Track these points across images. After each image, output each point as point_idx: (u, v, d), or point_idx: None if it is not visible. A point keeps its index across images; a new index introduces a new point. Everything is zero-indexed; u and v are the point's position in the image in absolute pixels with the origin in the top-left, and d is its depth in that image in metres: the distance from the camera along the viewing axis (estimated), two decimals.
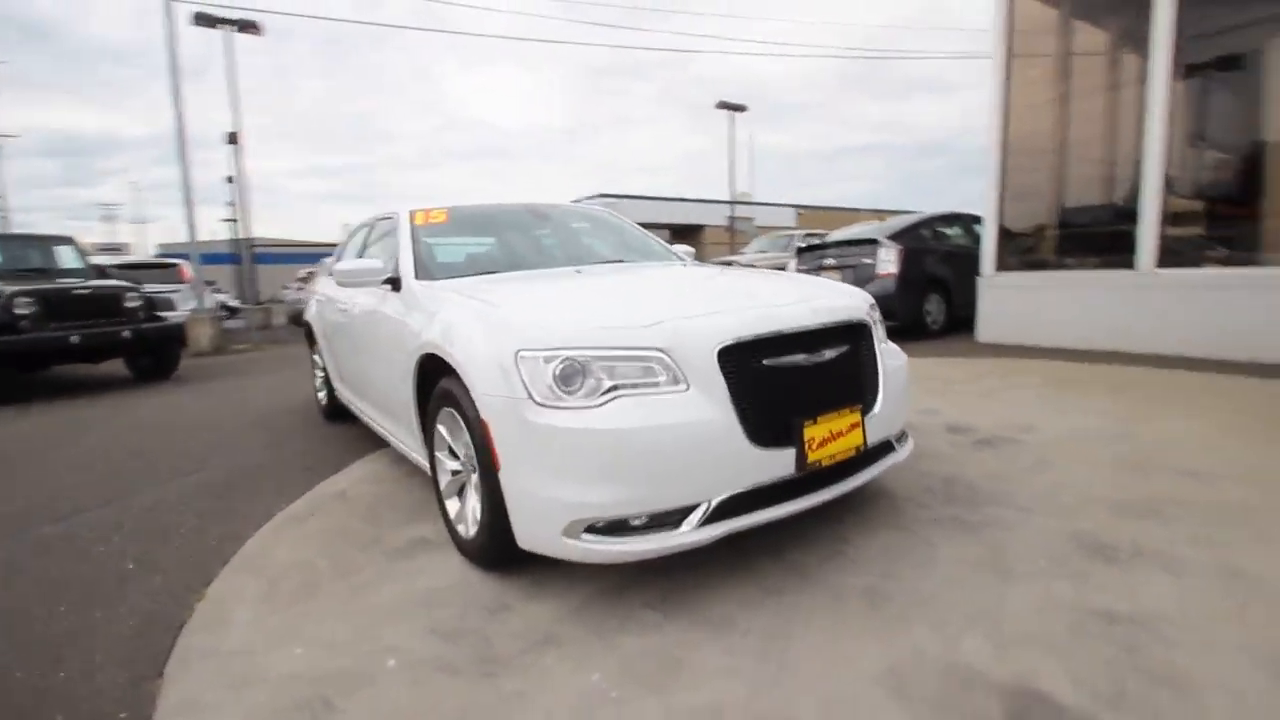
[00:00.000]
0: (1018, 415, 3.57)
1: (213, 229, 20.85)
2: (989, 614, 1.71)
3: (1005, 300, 6.01)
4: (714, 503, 1.75)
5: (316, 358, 4.62)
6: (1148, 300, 5.04)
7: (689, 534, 1.74)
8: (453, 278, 2.70)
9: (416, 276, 2.71)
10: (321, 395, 4.62)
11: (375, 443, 3.75)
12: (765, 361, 1.86)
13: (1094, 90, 5.87)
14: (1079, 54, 6.07)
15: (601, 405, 1.72)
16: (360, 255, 3.70)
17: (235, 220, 19.08)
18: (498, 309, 2.09)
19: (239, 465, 3.54)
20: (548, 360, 1.76)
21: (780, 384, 1.87)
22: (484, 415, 1.85)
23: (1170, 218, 5.06)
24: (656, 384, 1.76)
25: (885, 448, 2.21)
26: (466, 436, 2.09)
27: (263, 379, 6.92)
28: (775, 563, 2.03)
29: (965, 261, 6.75)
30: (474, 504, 2.17)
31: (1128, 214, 5.17)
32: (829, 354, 2.00)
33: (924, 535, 2.18)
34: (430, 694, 1.54)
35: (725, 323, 1.87)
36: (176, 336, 7.01)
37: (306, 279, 15.19)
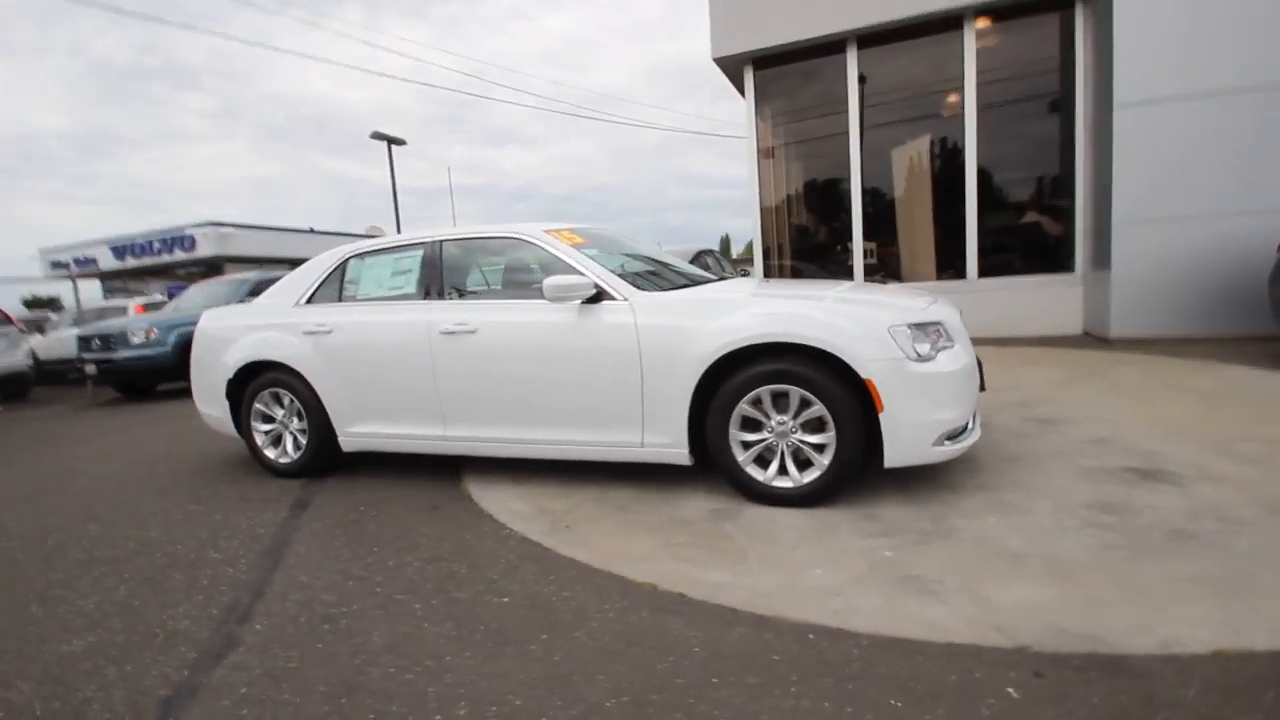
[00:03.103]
0: None
1: None
2: (1074, 451, 3.24)
3: None
4: (974, 417, 2.87)
5: (263, 407, 3.79)
6: None
7: (971, 436, 2.80)
8: (659, 290, 3.10)
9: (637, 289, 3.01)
10: (273, 452, 3.82)
11: (429, 472, 3.54)
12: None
13: (809, 169, 8.63)
14: (793, 144, 8.79)
15: (937, 357, 2.67)
16: (419, 279, 3.45)
17: None
18: (829, 301, 2.79)
19: (326, 525, 2.94)
20: (907, 329, 2.63)
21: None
22: (866, 375, 2.57)
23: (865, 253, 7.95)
24: (939, 343, 2.78)
25: None
26: (795, 406, 2.71)
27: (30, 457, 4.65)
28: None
29: None
30: (789, 464, 2.78)
31: (846, 250, 7.91)
32: None
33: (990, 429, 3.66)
34: (936, 551, 2.27)
35: (947, 306, 3.00)
36: None
37: None
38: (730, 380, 2.79)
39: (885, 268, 8.13)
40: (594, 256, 3.22)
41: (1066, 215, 6.97)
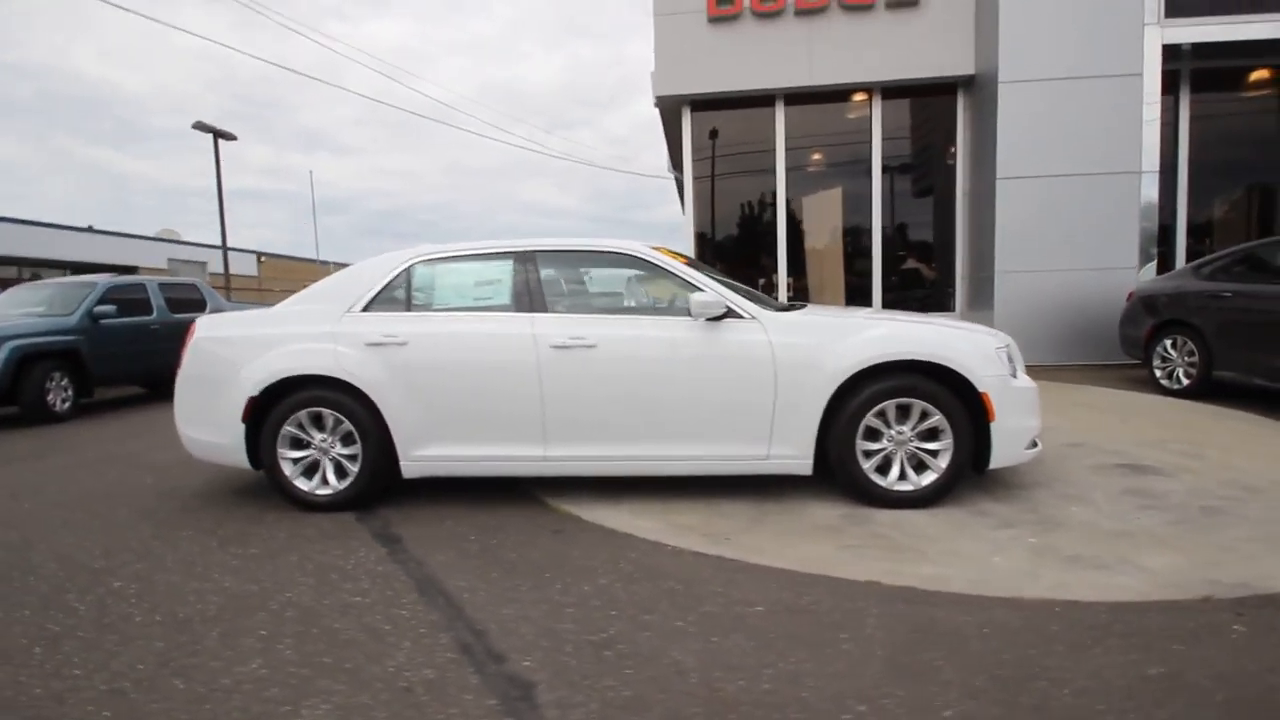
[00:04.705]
0: None
1: None
2: (1069, 454, 3.97)
3: None
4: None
5: (295, 430, 3.27)
6: None
7: (1040, 448, 3.34)
8: (774, 310, 3.28)
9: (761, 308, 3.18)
10: (307, 483, 3.32)
11: (491, 496, 3.39)
12: None
13: (736, 207, 9.30)
14: (722, 183, 9.43)
15: (1019, 374, 3.18)
16: (513, 289, 3.28)
17: None
18: (936, 324, 3.17)
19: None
20: (1005, 350, 3.11)
21: None
22: (981, 388, 2.98)
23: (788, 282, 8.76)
24: (1015, 363, 3.29)
25: None
26: (916, 417, 3.05)
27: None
28: None
29: None
30: (908, 469, 3.10)
31: (771, 284, 8.65)
32: None
33: None
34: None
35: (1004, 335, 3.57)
36: None
37: None
38: (858, 395, 3.06)
39: (801, 294, 9.02)
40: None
41: (948, 265, 8.36)
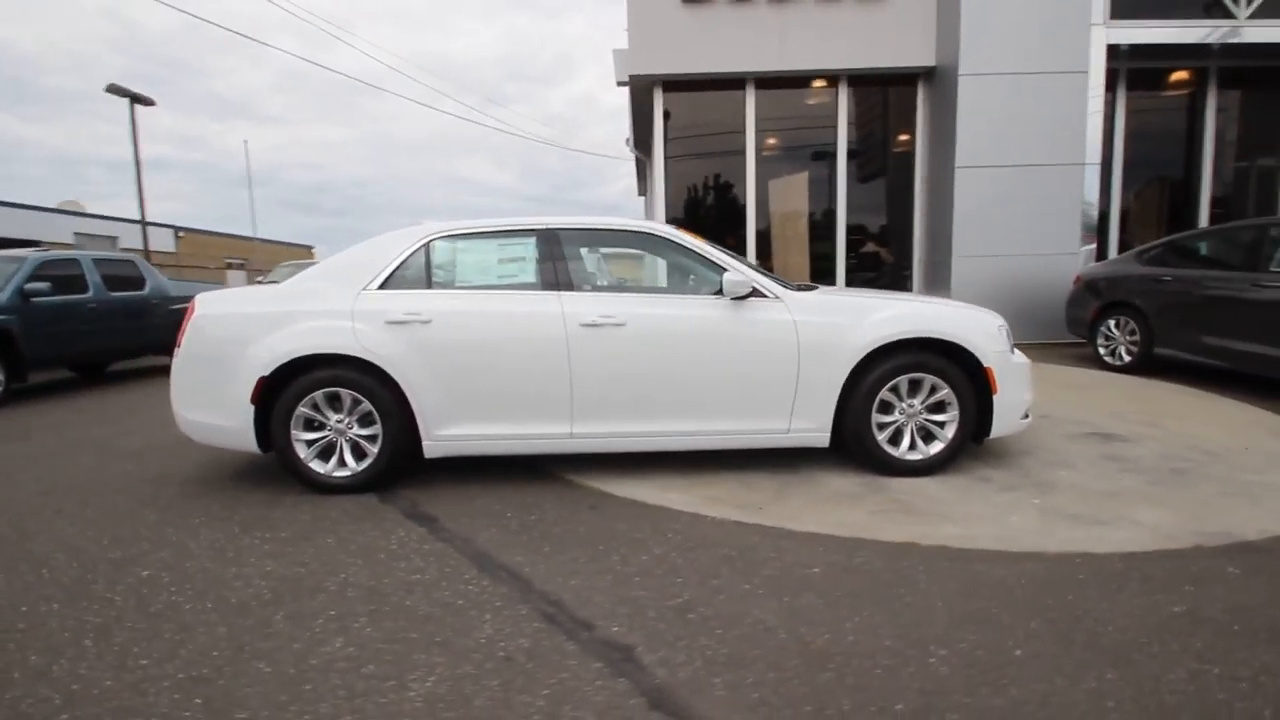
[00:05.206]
0: None
1: None
2: (1044, 425, 4.30)
3: None
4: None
5: (309, 411, 3.17)
6: None
7: (1030, 419, 3.61)
8: (795, 290, 3.39)
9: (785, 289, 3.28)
10: (323, 465, 3.23)
11: (511, 473, 3.42)
12: None
13: (704, 187, 9.37)
14: (691, 163, 9.48)
15: (1016, 350, 3.43)
16: (538, 267, 3.26)
17: None
18: (942, 304, 3.34)
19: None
20: (1004, 329, 3.34)
21: None
22: (987, 364, 3.20)
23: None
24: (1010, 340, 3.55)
25: None
26: (926, 391, 3.25)
27: None
28: None
29: None
30: (917, 440, 3.30)
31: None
32: None
33: None
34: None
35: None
36: None
37: None
38: (875, 370, 3.22)
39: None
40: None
41: (905, 249, 8.75)
